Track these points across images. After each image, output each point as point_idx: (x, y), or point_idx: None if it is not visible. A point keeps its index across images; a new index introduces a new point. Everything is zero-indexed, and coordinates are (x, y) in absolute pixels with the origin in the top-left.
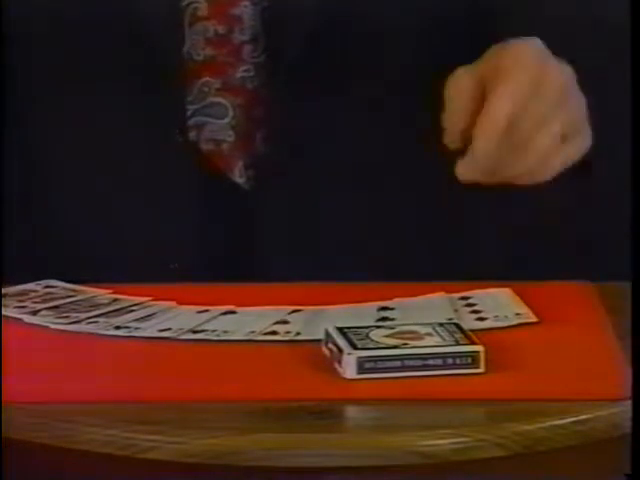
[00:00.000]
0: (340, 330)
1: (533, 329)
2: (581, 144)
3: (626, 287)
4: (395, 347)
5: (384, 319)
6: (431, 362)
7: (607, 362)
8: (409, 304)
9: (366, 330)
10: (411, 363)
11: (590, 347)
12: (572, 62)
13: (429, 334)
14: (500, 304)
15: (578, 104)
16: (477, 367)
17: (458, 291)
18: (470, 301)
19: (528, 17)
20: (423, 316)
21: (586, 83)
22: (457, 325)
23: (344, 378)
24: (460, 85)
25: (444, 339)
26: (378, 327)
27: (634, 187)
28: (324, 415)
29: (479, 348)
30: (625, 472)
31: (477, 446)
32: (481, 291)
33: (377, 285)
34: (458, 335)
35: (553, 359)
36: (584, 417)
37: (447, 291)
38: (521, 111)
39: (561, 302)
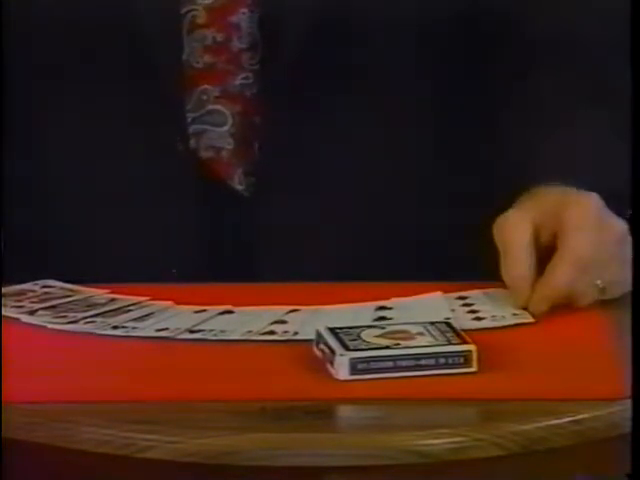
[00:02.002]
0: (331, 330)
1: (530, 329)
2: (617, 292)
3: None
4: (387, 347)
5: (382, 319)
6: (424, 362)
7: (604, 361)
8: (406, 304)
9: (357, 330)
10: (404, 363)
11: (587, 347)
12: (572, 60)
13: (420, 333)
14: (497, 304)
15: (626, 259)
16: (470, 366)
17: (455, 291)
18: (467, 301)
19: (529, 17)
20: (420, 316)
21: (586, 76)
22: (448, 324)
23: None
24: (519, 235)
25: (436, 338)
26: (369, 327)
27: (634, 187)
28: (321, 415)
29: (471, 347)
30: (625, 472)
31: (474, 445)
32: (478, 291)
33: (374, 285)
34: (450, 334)
35: (550, 358)
36: (581, 417)
37: (444, 291)
38: (580, 276)
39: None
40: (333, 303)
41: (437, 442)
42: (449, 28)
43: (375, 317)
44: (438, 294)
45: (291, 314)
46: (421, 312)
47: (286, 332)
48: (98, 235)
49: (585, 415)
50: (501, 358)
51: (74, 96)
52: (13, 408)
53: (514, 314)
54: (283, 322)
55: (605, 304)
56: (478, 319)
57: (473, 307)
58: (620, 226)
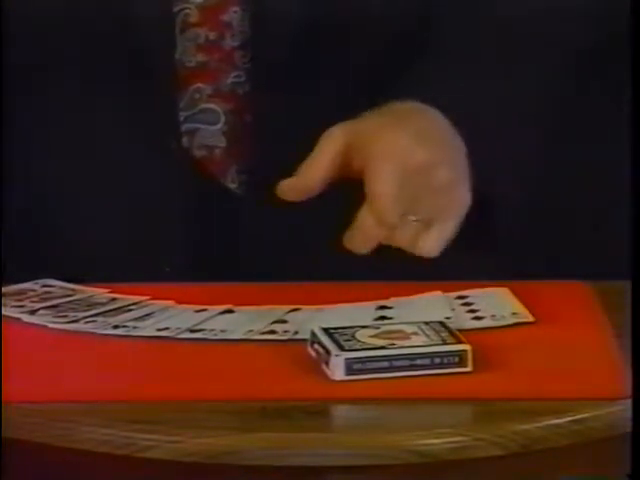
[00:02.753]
0: (325, 331)
1: (530, 329)
2: (452, 222)
3: (625, 286)
4: (382, 347)
5: (382, 318)
6: (419, 362)
7: (604, 361)
8: (407, 303)
9: (352, 330)
10: (399, 363)
11: (587, 346)
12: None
13: (415, 333)
14: (497, 303)
15: (437, 186)
16: (465, 366)
17: (455, 290)
18: (467, 300)
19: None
20: (421, 315)
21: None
22: (442, 323)
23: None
24: (325, 147)
25: (431, 338)
26: (363, 327)
27: (634, 187)
28: (321, 415)
29: (466, 347)
30: (625, 472)
31: (475, 445)
32: (478, 290)
33: (375, 284)
34: (444, 334)
35: (549, 358)
36: (581, 416)
37: (444, 290)
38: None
39: (558, 302)
40: (333, 303)
41: (437, 442)
42: (440, 27)
43: (376, 316)
44: (438, 293)
45: (291, 313)
46: (421, 311)
47: (286, 332)
48: (96, 235)
49: (585, 415)
50: (501, 357)
51: (69, 96)
52: (13, 408)
53: (514, 314)
54: (283, 322)
55: (605, 304)
56: (478, 318)
57: (473, 306)
58: (423, 155)
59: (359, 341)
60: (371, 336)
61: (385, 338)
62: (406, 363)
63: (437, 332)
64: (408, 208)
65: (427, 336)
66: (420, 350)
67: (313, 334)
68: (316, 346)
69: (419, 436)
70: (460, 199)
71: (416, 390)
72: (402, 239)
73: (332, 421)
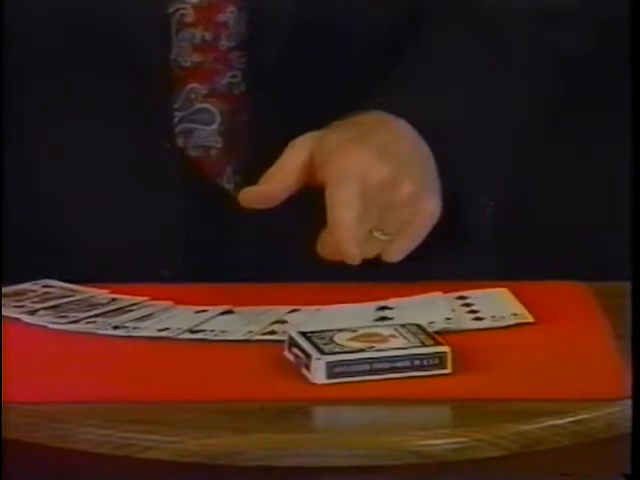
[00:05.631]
0: (303, 334)
1: (530, 329)
2: (419, 233)
3: (625, 286)
4: (362, 350)
5: (382, 319)
6: (399, 364)
7: (604, 362)
8: (407, 304)
9: (329, 333)
10: (380, 366)
11: (587, 347)
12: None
13: (393, 336)
14: (497, 304)
15: (399, 201)
16: (444, 368)
17: (455, 290)
18: (467, 301)
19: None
20: (421, 316)
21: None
22: (419, 326)
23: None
24: (294, 156)
25: (409, 340)
26: (340, 330)
27: (634, 187)
28: (321, 415)
29: (445, 349)
30: (624, 472)
31: (475, 446)
32: (478, 291)
33: (375, 285)
34: (422, 336)
35: (550, 358)
36: (582, 417)
37: (445, 291)
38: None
39: (558, 302)
40: (333, 303)
41: (437, 442)
42: (434, 25)
43: (376, 317)
44: (438, 294)
45: (292, 314)
46: (422, 312)
47: (286, 332)
48: (96, 235)
49: (585, 415)
50: (501, 358)
51: (66, 96)
52: (13, 408)
53: (514, 314)
54: (283, 322)
55: (605, 305)
56: (478, 319)
57: (473, 307)
58: (385, 171)
59: (338, 344)
60: (349, 339)
61: (363, 341)
62: (387, 366)
63: (414, 334)
64: (373, 224)
65: (405, 338)
66: (400, 352)
67: (291, 338)
68: (295, 350)
69: (419, 437)
70: (426, 211)
71: (406, 392)
72: (369, 253)
73: (331, 422)
